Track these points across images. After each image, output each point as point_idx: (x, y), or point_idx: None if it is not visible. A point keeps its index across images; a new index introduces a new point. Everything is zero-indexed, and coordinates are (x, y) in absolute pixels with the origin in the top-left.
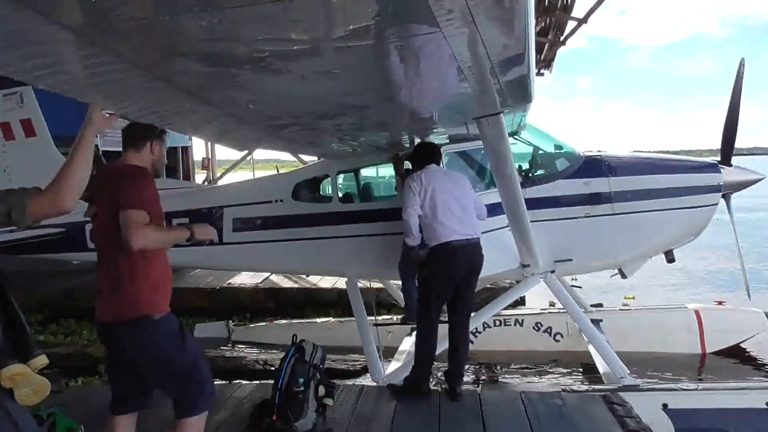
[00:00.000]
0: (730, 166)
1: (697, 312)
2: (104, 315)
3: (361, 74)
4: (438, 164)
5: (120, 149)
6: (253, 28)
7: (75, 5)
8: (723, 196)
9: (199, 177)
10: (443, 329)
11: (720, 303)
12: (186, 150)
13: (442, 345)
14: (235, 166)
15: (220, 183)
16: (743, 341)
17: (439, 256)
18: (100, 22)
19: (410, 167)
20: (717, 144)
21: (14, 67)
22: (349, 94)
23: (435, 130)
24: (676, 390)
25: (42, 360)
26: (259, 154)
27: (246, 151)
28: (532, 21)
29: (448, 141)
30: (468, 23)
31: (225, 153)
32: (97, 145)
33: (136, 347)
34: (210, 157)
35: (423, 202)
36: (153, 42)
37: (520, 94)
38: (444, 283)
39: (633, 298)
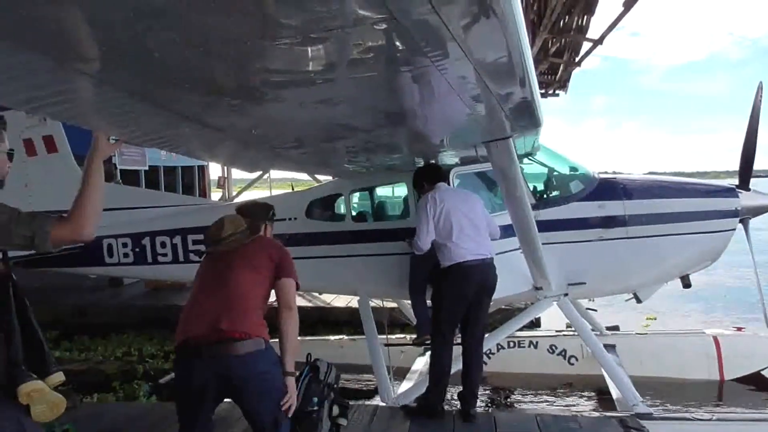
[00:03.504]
0: (749, 190)
1: (715, 338)
2: None
3: (360, 103)
4: (446, 182)
5: (138, 168)
6: (244, 60)
7: (68, 40)
8: (741, 221)
9: (215, 195)
10: (457, 350)
11: (739, 329)
12: (202, 169)
13: (457, 365)
14: (251, 184)
15: (235, 201)
16: (763, 369)
17: (452, 277)
18: (94, 56)
19: None
20: (734, 166)
21: (16, 98)
22: (351, 120)
23: (445, 153)
24: (689, 419)
25: (59, 377)
26: (275, 172)
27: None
28: (527, 44)
29: (458, 162)
30: (459, 56)
31: (241, 171)
32: (114, 164)
33: None
34: (226, 175)
35: (437, 222)
36: (147, 73)
37: (528, 119)
38: (456, 303)
39: (654, 318)
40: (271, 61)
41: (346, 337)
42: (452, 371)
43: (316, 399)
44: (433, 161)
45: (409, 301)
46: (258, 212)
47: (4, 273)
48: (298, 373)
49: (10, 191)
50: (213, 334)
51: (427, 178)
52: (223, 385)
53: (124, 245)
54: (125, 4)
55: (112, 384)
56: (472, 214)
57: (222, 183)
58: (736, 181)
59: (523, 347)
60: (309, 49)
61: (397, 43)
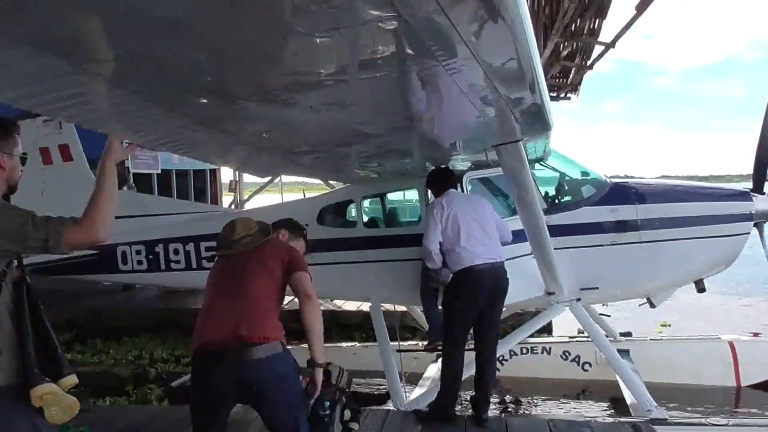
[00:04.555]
0: (763, 194)
1: (731, 343)
2: None
3: (370, 105)
4: (456, 188)
5: (150, 171)
6: (255, 62)
7: (84, 44)
8: (755, 225)
9: (227, 199)
10: (469, 355)
11: (756, 335)
12: (214, 172)
13: (469, 371)
14: (263, 189)
15: (246, 206)
16: None
17: (463, 281)
18: (110, 60)
19: None
20: (749, 169)
21: (33, 101)
22: (361, 124)
23: (457, 157)
24: (705, 425)
25: (72, 380)
26: (287, 176)
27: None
28: (535, 49)
29: (472, 166)
30: (468, 58)
31: (252, 176)
32: (127, 167)
33: None
34: (237, 179)
35: (445, 227)
36: (160, 76)
37: (538, 122)
38: (468, 307)
39: (669, 325)
40: (281, 62)
41: (358, 343)
42: (465, 376)
43: (327, 403)
44: (445, 166)
45: (421, 307)
46: (294, 225)
47: (19, 277)
48: (326, 365)
49: (27, 199)
50: (233, 340)
51: (438, 183)
52: (243, 390)
53: (138, 252)
54: (139, 9)
55: (126, 388)
56: (482, 219)
57: (233, 187)
58: (750, 185)
59: (537, 353)
60: (317, 49)
61: (406, 44)
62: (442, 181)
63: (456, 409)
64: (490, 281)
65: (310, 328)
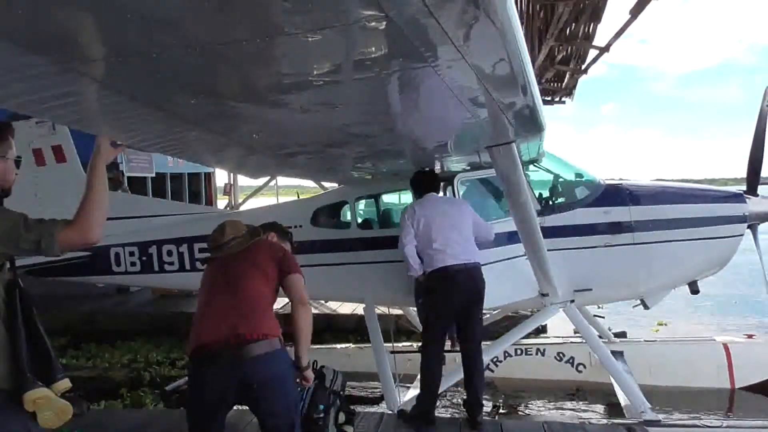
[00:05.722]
0: (757, 196)
1: (725, 345)
2: None
3: (361, 106)
4: (437, 191)
5: (145, 175)
6: (242, 61)
7: (70, 43)
8: (749, 227)
9: (222, 202)
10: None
11: (750, 336)
12: (209, 176)
13: (459, 373)
14: (257, 192)
15: (241, 208)
16: None
17: (437, 282)
18: (96, 59)
19: None
20: (743, 173)
21: (19, 101)
22: (352, 124)
23: (450, 158)
24: (698, 427)
25: (65, 384)
26: (282, 179)
27: (267, 177)
28: (525, 50)
29: (468, 168)
30: (457, 59)
31: (247, 179)
32: (122, 171)
33: None
34: (232, 183)
35: (417, 230)
36: (149, 77)
37: (531, 123)
38: (444, 308)
39: (665, 324)
40: (270, 62)
41: (352, 345)
42: (457, 379)
43: (322, 406)
44: (431, 168)
45: (415, 308)
46: (281, 228)
47: (11, 280)
48: (320, 367)
49: (20, 201)
50: (232, 339)
51: (417, 186)
52: (242, 389)
53: (131, 254)
54: (126, 7)
55: (120, 391)
56: (458, 221)
57: (228, 190)
58: (744, 188)
59: (531, 354)
60: (305, 49)
61: (393, 44)
62: (421, 184)
63: (436, 410)
64: (464, 282)
65: (300, 331)
